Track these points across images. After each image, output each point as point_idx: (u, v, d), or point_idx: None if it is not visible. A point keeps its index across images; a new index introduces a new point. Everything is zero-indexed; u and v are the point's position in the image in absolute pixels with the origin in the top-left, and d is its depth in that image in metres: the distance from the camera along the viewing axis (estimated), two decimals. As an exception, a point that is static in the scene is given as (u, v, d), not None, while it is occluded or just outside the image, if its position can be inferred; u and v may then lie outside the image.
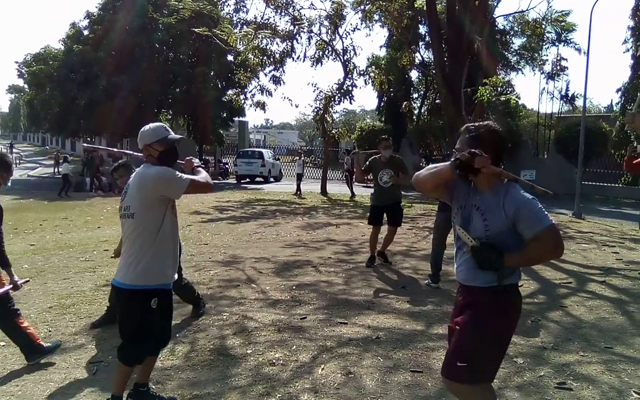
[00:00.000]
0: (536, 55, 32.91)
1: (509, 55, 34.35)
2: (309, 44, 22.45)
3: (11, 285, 4.50)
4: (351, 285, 7.55)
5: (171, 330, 3.86)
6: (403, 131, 32.52)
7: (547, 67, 32.08)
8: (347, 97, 23.10)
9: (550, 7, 22.03)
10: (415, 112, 36.00)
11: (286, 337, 5.34)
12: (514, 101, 21.51)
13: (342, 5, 21.12)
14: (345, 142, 32.75)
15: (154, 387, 4.18)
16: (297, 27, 21.33)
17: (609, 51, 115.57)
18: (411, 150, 30.21)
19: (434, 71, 19.81)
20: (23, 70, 41.21)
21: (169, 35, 31.26)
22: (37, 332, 4.86)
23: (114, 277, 3.60)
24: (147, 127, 3.57)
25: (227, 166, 36.05)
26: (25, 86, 46.31)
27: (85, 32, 34.34)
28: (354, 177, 22.58)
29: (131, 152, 3.98)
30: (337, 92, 22.85)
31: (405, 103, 29.41)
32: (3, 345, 5.00)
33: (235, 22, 22.94)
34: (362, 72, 23.42)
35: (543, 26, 22.94)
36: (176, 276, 3.73)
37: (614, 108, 36.11)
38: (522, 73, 37.69)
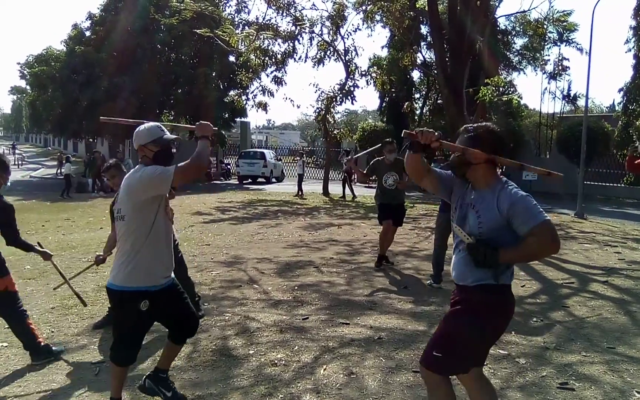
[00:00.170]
0: (538, 55, 32.92)
1: (510, 55, 34.36)
2: (311, 44, 22.49)
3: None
4: (353, 285, 7.55)
5: (196, 319, 3.82)
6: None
7: (549, 67, 32.13)
8: (349, 97, 23.10)
9: (552, 7, 22.10)
10: (417, 112, 35.98)
11: (288, 337, 5.34)
12: (516, 101, 21.53)
13: (344, 6, 21.14)
14: (347, 142, 32.75)
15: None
16: (298, 27, 21.33)
17: (611, 51, 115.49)
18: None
19: (435, 71, 19.80)
20: (25, 72, 41.30)
21: (170, 36, 31.27)
22: (40, 333, 4.88)
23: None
24: (141, 127, 3.55)
25: (229, 167, 36.06)
26: (28, 87, 46.41)
27: (87, 33, 34.37)
28: (352, 177, 22.58)
29: (183, 125, 3.95)
30: (339, 92, 22.86)
31: (407, 103, 29.44)
32: (5, 346, 5.01)
33: (236, 22, 22.94)
34: (363, 73, 23.41)
35: (545, 26, 22.96)
36: (172, 275, 3.70)
37: (616, 108, 36.06)
38: (524, 73, 37.65)
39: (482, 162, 2.83)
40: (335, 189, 23.83)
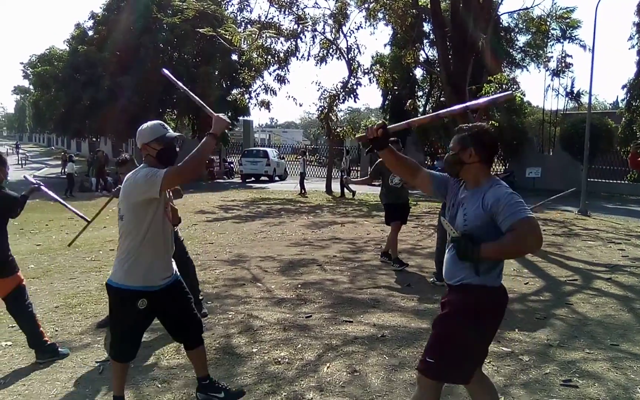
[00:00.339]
0: (541, 52, 32.86)
1: (513, 52, 34.29)
2: (313, 42, 22.45)
3: None
4: (356, 283, 7.56)
5: (198, 328, 3.77)
6: (408, 129, 32.46)
7: (552, 64, 32.08)
8: (352, 95, 23.08)
9: (555, 3, 22.13)
10: (420, 110, 35.90)
11: (291, 335, 5.35)
12: (519, 98, 21.51)
13: (346, 4, 21.11)
14: (350, 140, 32.71)
15: (159, 386, 4.20)
16: (301, 26, 21.31)
17: (614, 48, 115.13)
18: (415, 148, 30.18)
19: (438, 69, 19.74)
20: (28, 71, 41.41)
21: (173, 35, 31.26)
22: (45, 332, 4.89)
23: None
24: (144, 125, 3.55)
25: (232, 165, 36.08)
26: (31, 87, 46.52)
27: (90, 33, 34.39)
28: (350, 176, 22.56)
29: (207, 108, 3.93)
30: (342, 90, 22.84)
31: (409, 101, 29.27)
32: (10, 345, 5.03)
33: (239, 21, 22.92)
34: (366, 71, 23.38)
35: (548, 23, 22.87)
36: (174, 274, 3.68)
37: (620, 105, 35.99)
38: (527, 70, 37.54)
39: (476, 161, 2.86)
40: (340, 187, 23.80)
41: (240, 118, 38.65)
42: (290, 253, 9.71)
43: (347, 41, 22.55)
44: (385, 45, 56.54)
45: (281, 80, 23.17)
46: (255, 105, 26.56)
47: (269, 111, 50.56)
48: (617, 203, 21.12)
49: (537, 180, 25.11)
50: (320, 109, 23.33)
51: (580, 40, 30.69)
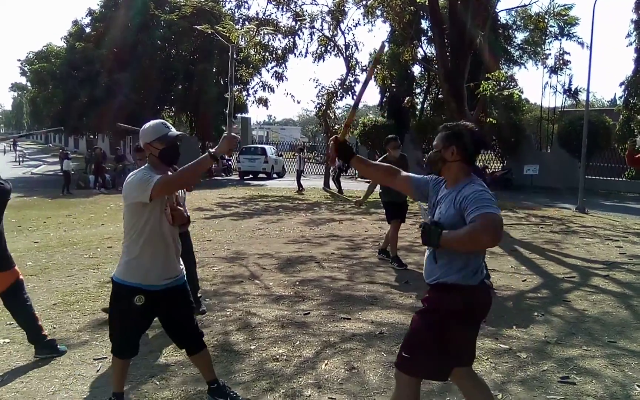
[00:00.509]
0: (539, 49, 32.83)
1: (511, 49, 34.24)
2: (311, 39, 22.41)
3: None
4: (354, 280, 7.56)
5: (196, 341, 3.74)
6: (406, 126, 32.46)
7: (550, 62, 32.04)
8: (350, 92, 23.05)
9: (553, 1, 21.99)
10: (418, 107, 35.91)
11: (290, 332, 5.35)
12: (517, 96, 21.44)
13: (344, 1, 21.07)
14: (348, 137, 32.72)
15: (157, 383, 4.20)
16: (298, 23, 21.27)
17: (612, 45, 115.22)
18: (413, 146, 30.17)
19: (436, 66, 19.74)
20: (26, 68, 41.27)
21: (170, 32, 31.22)
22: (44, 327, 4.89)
23: None
24: (146, 125, 3.54)
25: (229, 162, 36.06)
26: (28, 84, 46.42)
27: (87, 30, 34.35)
28: (342, 173, 22.57)
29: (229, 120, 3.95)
30: (340, 87, 22.81)
31: (407, 98, 29.32)
32: (7, 342, 5.03)
33: (236, 18, 22.89)
34: (364, 68, 23.35)
35: (546, 20, 22.91)
36: (178, 279, 3.65)
37: (617, 102, 35.96)
38: (525, 67, 37.61)
39: (458, 160, 2.88)
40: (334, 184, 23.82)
41: (238, 115, 38.62)
42: (288, 250, 9.71)
43: (345, 38, 22.53)
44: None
45: (279, 77, 23.13)
46: (253, 102, 26.57)
47: (267, 108, 50.51)
48: (614, 200, 21.14)
49: (534, 177, 25.12)
50: (318, 106, 23.31)
51: (578, 38, 30.62)
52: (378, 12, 20.97)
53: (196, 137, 35.62)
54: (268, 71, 23.78)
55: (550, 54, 32.52)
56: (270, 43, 21.84)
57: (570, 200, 17.86)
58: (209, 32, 19.57)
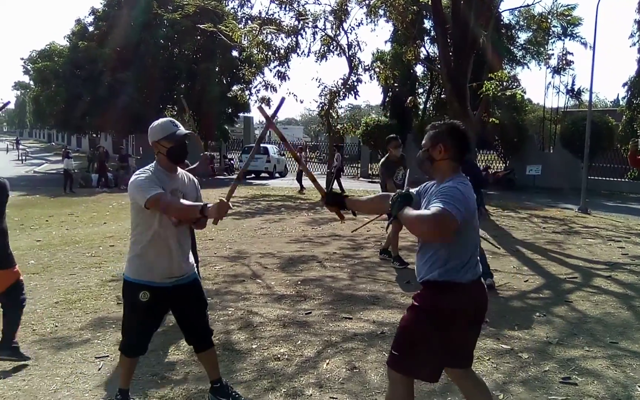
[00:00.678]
0: (542, 49, 32.75)
1: (514, 49, 34.16)
2: (314, 39, 22.37)
3: None
4: (356, 280, 7.56)
5: (206, 326, 3.75)
6: (408, 126, 32.44)
7: (553, 62, 31.97)
8: (352, 92, 23.03)
9: (556, 1, 21.92)
10: (421, 107, 35.88)
11: (291, 332, 5.35)
12: (520, 96, 21.40)
13: (347, 0, 21.06)
14: (351, 137, 32.65)
15: (159, 381, 4.21)
16: (301, 22, 21.27)
17: (615, 45, 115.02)
18: (416, 144, 30.14)
19: (439, 66, 19.70)
20: (29, 67, 41.24)
21: (173, 31, 31.19)
22: (43, 328, 4.90)
23: None
24: (155, 123, 3.55)
25: (232, 162, 36.08)
26: (31, 83, 46.40)
27: (90, 29, 34.31)
28: (341, 174, 22.57)
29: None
30: (342, 87, 22.79)
31: (410, 98, 29.25)
32: (10, 340, 5.02)
33: (239, 17, 22.88)
34: (367, 67, 23.31)
35: (549, 20, 22.78)
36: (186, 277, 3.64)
37: (620, 102, 35.90)
38: (528, 67, 37.51)
39: (446, 158, 2.89)
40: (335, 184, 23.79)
41: (241, 114, 38.65)
42: (290, 250, 9.72)
43: (347, 38, 22.50)
44: (385, 42, 56.39)
45: (282, 76, 23.10)
46: (256, 101, 26.53)
47: (270, 108, 50.37)
48: (617, 201, 21.11)
49: (537, 177, 25.08)
50: (320, 105, 23.30)
51: (581, 38, 30.56)
52: (381, 12, 20.95)
53: (199, 136, 35.61)
54: (271, 70, 23.78)
55: (553, 54, 32.46)
56: (273, 42, 21.84)
57: (573, 200, 17.82)
58: (212, 30, 19.57)
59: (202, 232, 11.34)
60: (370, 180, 25.80)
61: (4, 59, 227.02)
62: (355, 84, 22.80)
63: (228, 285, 7.22)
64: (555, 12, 22.16)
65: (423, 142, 3.01)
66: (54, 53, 35.59)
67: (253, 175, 31.86)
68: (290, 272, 8.00)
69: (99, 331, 5.33)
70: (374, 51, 37.12)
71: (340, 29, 22.09)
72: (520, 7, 23.42)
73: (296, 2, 20.77)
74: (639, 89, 28.51)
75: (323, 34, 22.25)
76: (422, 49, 29.38)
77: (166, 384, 4.16)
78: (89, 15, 34.77)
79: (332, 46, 22.51)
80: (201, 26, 21.34)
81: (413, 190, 3.00)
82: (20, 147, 53.04)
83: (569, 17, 25.94)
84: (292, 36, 21.68)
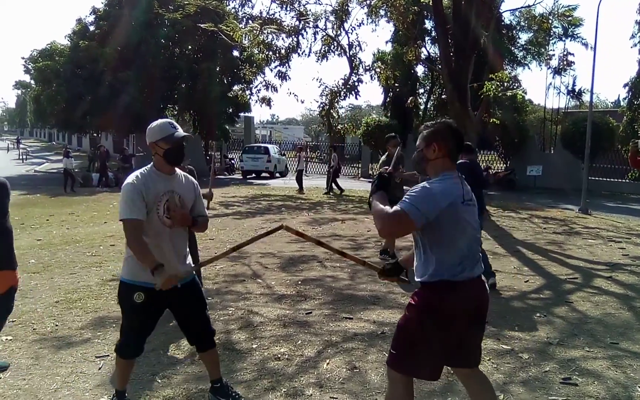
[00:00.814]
0: (543, 50, 32.76)
1: (515, 50, 34.18)
2: (315, 39, 22.45)
3: None
4: (356, 280, 7.56)
5: (206, 326, 3.72)
6: (409, 127, 32.45)
7: (554, 62, 31.99)
8: (353, 92, 23.07)
9: (557, 1, 21.91)
10: (421, 107, 35.89)
11: (291, 332, 5.35)
12: (521, 96, 21.46)
13: (348, 0, 21.08)
14: (351, 137, 32.67)
15: (159, 381, 4.21)
16: (302, 22, 21.30)
17: (616, 46, 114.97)
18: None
19: (439, 66, 19.71)
20: (29, 66, 41.25)
21: (174, 30, 31.19)
22: (44, 327, 4.89)
23: None
24: (153, 123, 3.54)
25: (233, 161, 36.09)
26: (32, 82, 46.36)
27: (91, 28, 34.31)
28: (339, 174, 22.58)
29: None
30: (343, 87, 22.83)
31: (411, 98, 29.29)
32: (10, 340, 5.03)
33: (240, 17, 22.91)
34: (367, 68, 23.37)
35: (550, 21, 22.80)
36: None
37: (621, 103, 35.90)
38: (529, 68, 37.46)
39: (440, 157, 2.90)
40: (340, 184, 23.81)
41: (242, 114, 38.65)
42: (290, 249, 9.71)
43: (348, 38, 22.57)
44: (386, 42, 56.48)
45: (282, 76, 23.19)
46: (257, 101, 26.65)
47: (270, 108, 50.55)
48: (618, 202, 21.10)
49: (538, 178, 25.07)
50: (321, 105, 23.34)
51: (582, 39, 30.57)
52: (382, 12, 21.00)
53: (199, 136, 35.65)
54: (271, 70, 23.86)
55: (554, 55, 32.47)
56: (273, 42, 21.89)
57: (574, 201, 17.82)
58: (213, 30, 19.57)
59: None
60: (370, 180, 25.74)
61: (5, 58, 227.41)
62: (356, 84, 22.88)
63: (228, 284, 7.22)
64: (556, 12, 22.16)
65: (417, 143, 3.04)
66: (54, 52, 35.56)
67: (254, 175, 31.87)
68: (290, 271, 8.00)
69: (99, 330, 5.33)
70: (374, 51, 37.22)
71: (341, 29, 22.16)
72: (521, 7, 23.40)
73: (297, 2, 20.81)
74: (640, 90, 28.52)
75: (324, 34, 22.31)
76: (423, 49, 29.46)
77: (166, 384, 4.16)
78: (90, 14, 34.78)
79: (332, 46, 22.56)
80: (202, 26, 21.35)
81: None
82: (21, 146, 53.06)
83: (569, 18, 25.92)
84: (293, 36, 21.73)
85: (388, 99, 36.91)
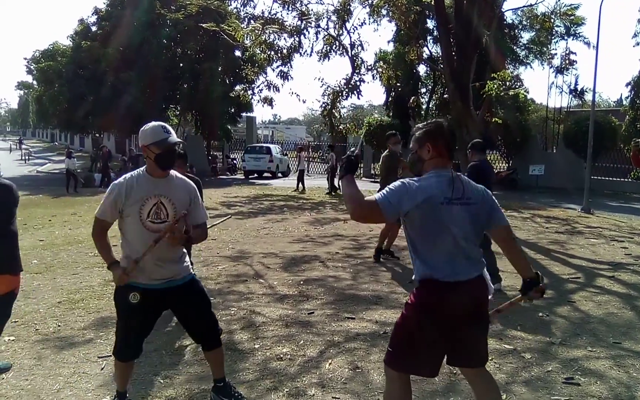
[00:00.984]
0: (545, 49, 32.68)
1: (517, 49, 34.12)
2: (317, 38, 22.45)
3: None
4: (359, 280, 7.56)
5: (211, 326, 3.69)
6: (411, 126, 32.41)
7: (556, 61, 31.89)
8: (355, 92, 23.07)
9: (559, 0, 21.88)
10: (423, 107, 35.85)
11: (294, 332, 5.35)
12: (523, 95, 21.39)
13: (350, 0, 21.07)
14: (353, 137, 32.66)
15: (162, 381, 4.21)
16: (304, 22, 21.29)
17: (618, 45, 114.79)
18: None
19: (441, 66, 19.70)
20: (32, 67, 41.29)
21: (176, 31, 31.23)
22: (46, 327, 4.89)
23: None
24: (145, 126, 3.50)
25: (235, 162, 36.11)
26: (34, 82, 46.43)
27: (94, 28, 34.37)
28: (335, 174, 22.52)
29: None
30: (345, 87, 22.83)
31: (413, 98, 29.31)
32: (13, 340, 5.04)
33: (242, 17, 22.92)
34: (369, 67, 23.37)
35: (552, 20, 22.76)
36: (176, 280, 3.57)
37: (624, 102, 35.84)
38: (531, 67, 37.57)
39: (435, 156, 2.92)
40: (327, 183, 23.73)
41: (244, 114, 38.68)
42: (292, 249, 9.72)
43: (350, 37, 22.57)
44: (388, 42, 56.49)
45: (284, 76, 23.19)
46: (259, 101, 26.66)
47: (272, 107, 50.53)
48: (620, 201, 21.07)
49: (540, 177, 25.03)
50: (323, 105, 23.33)
51: (585, 38, 30.46)
52: (384, 12, 20.97)
53: (201, 136, 35.68)
54: (273, 70, 23.86)
55: (556, 54, 32.37)
56: (275, 42, 21.88)
57: (576, 200, 17.79)
58: (215, 30, 19.58)
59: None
60: (372, 180, 25.77)
61: (7, 59, 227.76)
62: (358, 83, 22.88)
63: (230, 285, 7.22)
64: (558, 11, 22.13)
65: (411, 145, 3.05)
66: (57, 53, 35.63)
67: (256, 175, 31.88)
68: (292, 272, 8.00)
69: (101, 331, 5.34)
70: (376, 51, 37.25)
71: (343, 28, 22.16)
72: (524, 6, 23.40)
73: (299, 2, 20.78)
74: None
75: (326, 33, 22.30)
76: (425, 48, 29.41)
77: (169, 384, 4.17)
78: (92, 15, 34.86)
79: (334, 46, 22.55)
80: (204, 26, 21.37)
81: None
82: (23, 146, 53.18)
83: (572, 17, 25.87)
84: (295, 36, 21.72)
85: (390, 99, 36.87)
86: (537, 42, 32.93)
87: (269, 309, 6.13)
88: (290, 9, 20.80)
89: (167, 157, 3.46)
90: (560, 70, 31.57)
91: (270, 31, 20.67)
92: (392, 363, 2.97)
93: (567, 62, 31.01)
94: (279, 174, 32.80)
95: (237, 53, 32.15)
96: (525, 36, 34.06)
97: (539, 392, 4.10)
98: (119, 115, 28.57)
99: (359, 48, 22.78)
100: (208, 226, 3.77)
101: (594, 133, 17.28)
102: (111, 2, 33.90)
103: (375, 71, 23.66)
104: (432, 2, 16.43)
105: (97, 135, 43.05)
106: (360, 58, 22.92)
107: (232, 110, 35.46)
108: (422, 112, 35.03)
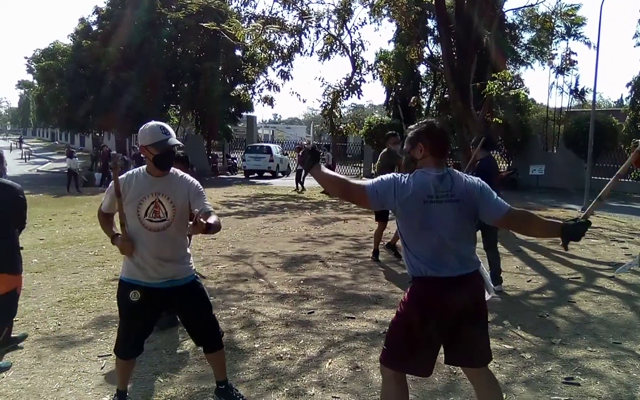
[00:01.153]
0: (545, 49, 32.68)
1: (518, 49, 34.12)
2: (317, 38, 22.36)
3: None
4: (359, 279, 7.56)
5: (212, 328, 3.69)
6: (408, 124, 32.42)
7: (557, 62, 31.87)
8: (355, 91, 23.02)
9: (560, 1, 21.88)
10: (424, 107, 35.85)
11: (294, 331, 5.35)
12: (523, 95, 21.36)
13: (350, 0, 21.03)
14: (354, 137, 32.64)
15: (162, 380, 4.21)
16: (305, 21, 21.25)
17: (619, 45, 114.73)
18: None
19: (442, 66, 19.67)
20: (32, 66, 41.30)
21: (177, 30, 31.22)
22: (46, 326, 4.89)
23: None
24: (145, 126, 3.49)
25: (235, 161, 36.11)
26: (35, 82, 46.40)
27: (94, 28, 34.35)
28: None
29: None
30: (345, 86, 22.78)
31: (413, 98, 29.26)
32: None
33: (243, 16, 22.88)
34: (370, 67, 23.30)
35: (552, 20, 22.77)
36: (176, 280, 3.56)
37: (624, 102, 35.83)
38: (532, 67, 37.55)
39: (427, 155, 2.96)
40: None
41: (244, 114, 38.68)
42: (292, 249, 9.72)
43: (351, 37, 22.48)
44: (389, 41, 56.49)
45: (285, 76, 23.10)
46: (259, 101, 26.55)
47: (273, 107, 50.48)
48: (620, 201, 21.04)
49: (540, 177, 25.02)
50: (323, 105, 23.29)
51: (585, 38, 30.45)
52: (384, 11, 20.92)
53: (202, 135, 35.68)
54: (274, 70, 23.77)
55: (556, 54, 32.37)
56: (276, 41, 21.83)
57: (576, 200, 17.81)
58: (215, 29, 19.57)
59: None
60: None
61: (8, 58, 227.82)
62: (359, 83, 22.79)
63: (231, 284, 7.22)
64: (559, 11, 22.14)
65: (404, 147, 3.12)
66: (57, 52, 35.61)
67: (256, 174, 31.88)
68: (292, 271, 8.00)
69: (101, 330, 5.34)
70: (377, 51, 37.27)
71: (344, 28, 22.09)
72: (524, 6, 23.35)
73: (300, 1, 20.74)
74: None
75: (326, 33, 22.24)
76: (426, 48, 29.42)
77: (169, 384, 4.17)
78: (93, 14, 34.83)
79: (335, 46, 22.49)
80: (204, 25, 21.35)
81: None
82: (24, 145, 53.18)
83: (572, 17, 25.88)
84: (296, 35, 21.66)
85: (390, 99, 36.89)
86: (538, 42, 32.94)
87: (269, 308, 6.13)
88: (290, 8, 20.74)
89: (165, 159, 3.46)
90: (560, 71, 31.56)
91: (271, 31, 20.62)
92: (387, 361, 2.99)
93: (567, 62, 31.00)
94: (280, 174, 32.81)
95: (238, 52, 32.14)
96: (526, 36, 34.07)
97: (539, 392, 4.10)
98: (120, 114, 28.57)
99: (360, 48, 22.71)
100: None
101: (595, 133, 17.29)
102: (112, 2, 33.89)
103: (375, 71, 23.59)
104: (433, 2, 16.42)
105: (98, 134, 43.06)
106: (361, 58, 22.84)
107: (233, 109, 35.46)
108: (423, 111, 35.01)
